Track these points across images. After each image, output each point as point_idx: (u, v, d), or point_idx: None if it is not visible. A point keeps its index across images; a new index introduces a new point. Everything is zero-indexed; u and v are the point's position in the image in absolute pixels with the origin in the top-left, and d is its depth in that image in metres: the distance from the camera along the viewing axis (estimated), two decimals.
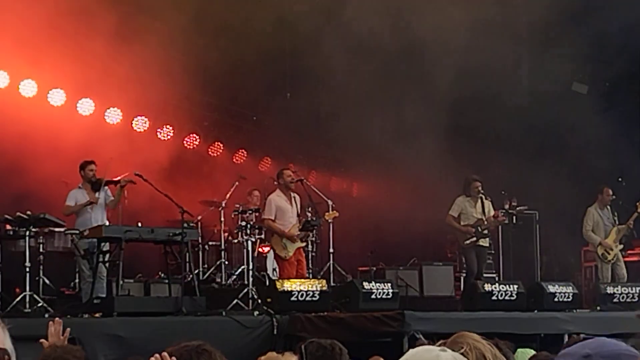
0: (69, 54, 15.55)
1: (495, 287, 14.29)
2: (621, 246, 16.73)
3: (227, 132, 19.43)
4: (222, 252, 16.34)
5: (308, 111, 17.59)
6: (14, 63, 16.07)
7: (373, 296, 13.73)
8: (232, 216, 16.44)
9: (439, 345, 2.97)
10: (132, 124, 18.21)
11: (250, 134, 19.56)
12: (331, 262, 16.68)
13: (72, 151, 15.13)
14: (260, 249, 15.96)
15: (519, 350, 7.49)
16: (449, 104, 18.13)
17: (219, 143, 19.36)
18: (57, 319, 5.48)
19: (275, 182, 15.06)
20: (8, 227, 13.30)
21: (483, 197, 15.77)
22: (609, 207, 16.74)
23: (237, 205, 16.34)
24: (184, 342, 3.25)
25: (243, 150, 19.63)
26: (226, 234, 16.49)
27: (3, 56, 15.91)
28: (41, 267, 14.15)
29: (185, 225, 13.46)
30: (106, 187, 14.14)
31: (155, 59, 15.72)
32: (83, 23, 15.46)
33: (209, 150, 19.32)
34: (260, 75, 17.54)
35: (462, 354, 3.24)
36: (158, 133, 18.61)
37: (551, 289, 14.51)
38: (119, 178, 14.04)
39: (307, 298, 13.38)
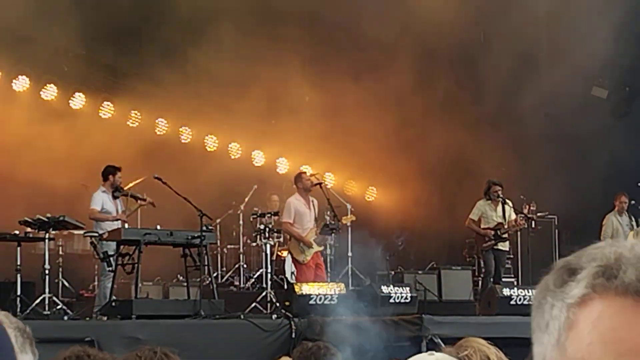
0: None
1: (513, 292, 14.24)
2: None
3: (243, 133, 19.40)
4: (241, 256, 16.36)
5: (324, 112, 17.56)
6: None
7: (391, 300, 13.69)
8: (251, 219, 16.45)
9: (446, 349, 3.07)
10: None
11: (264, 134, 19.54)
12: (349, 265, 16.66)
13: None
14: (278, 253, 15.96)
15: None
16: (462, 108, 18.13)
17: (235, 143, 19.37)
18: None
19: (294, 186, 15.03)
20: (28, 229, 13.30)
21: (504, 201, 15.72)
22: (627, 212, 16.70)
23: (256, 209, 16.35)
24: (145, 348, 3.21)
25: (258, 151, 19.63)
26: (245, 237, 16.50)
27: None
28: (60, 269, 14.19)
29: (204, 228, 13.45)
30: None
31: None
32: None
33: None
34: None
35: (466, 356, 3.41)
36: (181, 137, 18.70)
37: None
38: (145, 197, 14.00)
39: (326, 302, 13.37)
